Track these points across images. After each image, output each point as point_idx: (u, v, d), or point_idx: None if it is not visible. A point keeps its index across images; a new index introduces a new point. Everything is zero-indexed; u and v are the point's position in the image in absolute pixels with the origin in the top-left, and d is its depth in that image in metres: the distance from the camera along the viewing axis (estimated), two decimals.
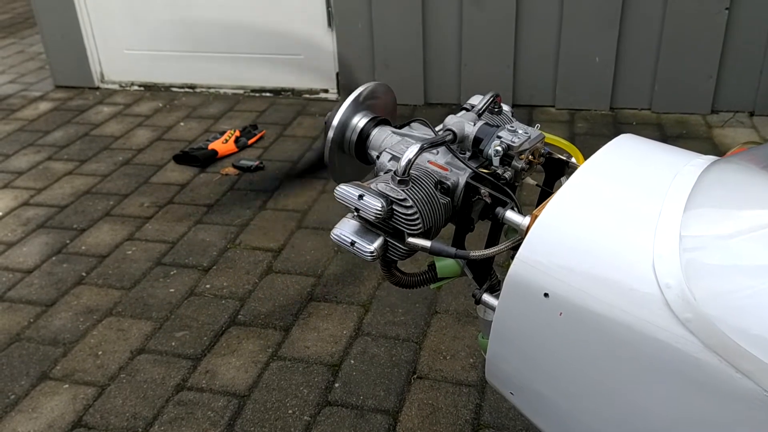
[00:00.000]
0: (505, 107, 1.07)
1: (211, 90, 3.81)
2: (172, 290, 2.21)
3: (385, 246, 0.92)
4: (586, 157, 0.94)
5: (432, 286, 1.00)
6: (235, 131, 3.18)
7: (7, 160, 3.12)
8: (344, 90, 1.23)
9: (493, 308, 0.90)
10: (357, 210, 0.90)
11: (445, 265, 0.97)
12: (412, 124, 1.08)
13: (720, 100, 3.28)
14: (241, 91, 3.77)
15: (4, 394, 1.83)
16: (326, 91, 3.67)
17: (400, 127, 1.09)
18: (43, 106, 3.70)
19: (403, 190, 0.89)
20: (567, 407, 0.83)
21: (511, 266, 0.80)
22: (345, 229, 0.93)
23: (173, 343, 1.99)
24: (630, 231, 0.76)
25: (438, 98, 3.53)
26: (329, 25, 3.50)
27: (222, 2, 3.57)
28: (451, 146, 0.96)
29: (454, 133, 0.96)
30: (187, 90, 3.84)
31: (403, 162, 0.89)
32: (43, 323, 2.09)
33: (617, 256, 0.75)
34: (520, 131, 0.94)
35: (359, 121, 1.08)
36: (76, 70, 3.87)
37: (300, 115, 3.49)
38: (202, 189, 2.82)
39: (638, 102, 3.36)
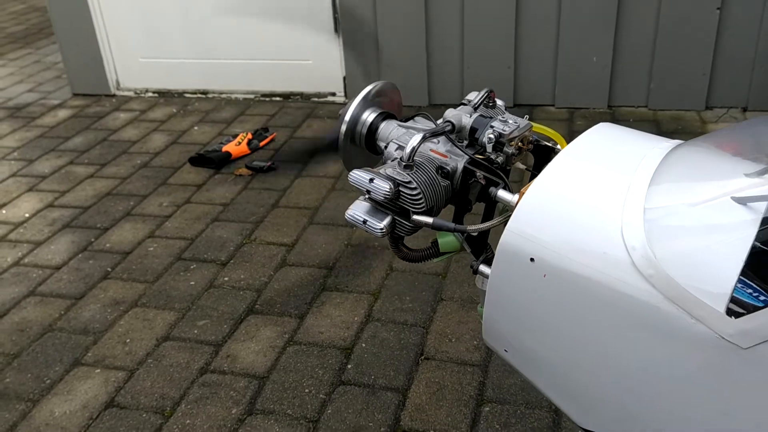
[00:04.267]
0: (499, 101, 1.19)
1: (223, 95, 3.95)
2: (192, 283, 2.35)
3: (393, 223, 1.05)
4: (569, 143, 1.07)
5: (435, 260, 1.12)
6: (247, 134, 3.31)
7: (30, 165, 3.26)
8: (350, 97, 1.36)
9: (487, 276, 1.03)
10: (368, 192, 1.03)
11: (446, 241, 1.09)
12: (416, 118, 1.21)
13: (714, 96, 3.40)
14: (252, 96, 3.91)
15: (40, 379, 1.97)
16: (333, 94, 3.80)
17: (405, 121, 1.22)
18: (62, 113, 3.85)
19: (408, 174, 1.02)
20: (553, 359, 0.96)
21: (502, 236, 0.93)
22: (357, 210, 1.06)
23: (195, 331, 2.12)
24: (602, 203, 0.89)
25: (442, 99, 3.66)
26: (336, 30, 3.64)
27: (232, 11, 3.71)
28: (450, 136, 1.09)
29: (452, 124, 1.08)
30: (199, 96, 3.98)
31: (408, 149, 1.02)
32: (74, 315, 2.23)
33: (592, 225, 0.88)
34: (510, 121, 1.07)
35: (368, 115, 1.20)
36: (93, 79, 4.02)
37: (309, 118, 3.63)
38: (217, 189, 2.96)
39: (635, 99, 3.48)
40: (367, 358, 1.96)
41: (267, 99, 3.89)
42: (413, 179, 1.01)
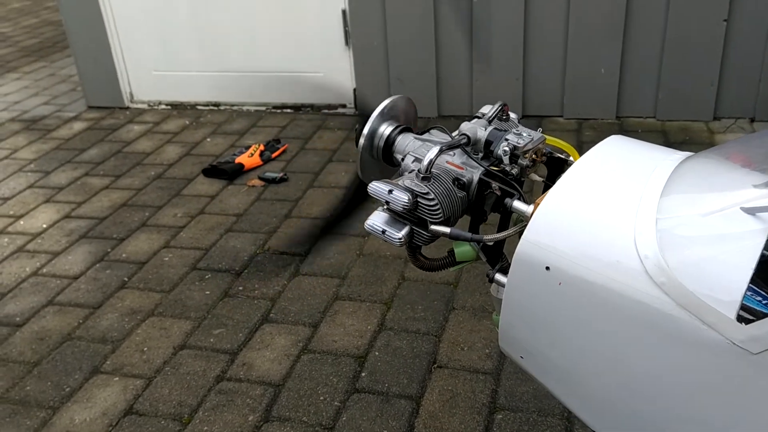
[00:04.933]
0: (512, 114, 1.23)
1: (235, 107, 4.01)
2: (207, 292, 2.39)
3: (411, 233, 1.08)
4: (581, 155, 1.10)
5: (451, 268, 1.16)
6: (259, 145, 3.36)
7: (47, 176, 3.32)
8: (361, 111, 1.40)
9: (503, 284, 1.06)
10: (387, 203, 1.06)
11: (462, 250, 1.13)
12: (432, 131, 1.25)
13: (721, 107, 3.42)
14: (263, 108, 3.96)
15: (60, 387, 2.00)
16: (344, 106, 3.85)
17: (421, 134, 1.26)
18: (78, 125, 3.91)
19: (425, 185, 1.05)
20: (568, 365, 0.99)
21: (518, 245, 0.96)
22: (377, 220, 1.10)
23: (211, 340, 2.16)
24: (615, 213, 0.92)
25: (451, 110, 3.70)
26: (346, 43, 3.69)
27: (244, 24, 3.77)
28: (466, 148, 1.12)
29: (468, 137, 1.12)
30: (212, 108, 4.04)
31: (426, 161, 1.06)
32: (92, 324, 2.27)
33: (605, 235, 0.91)
34: (524, 134, 1.10)
35: (385, 129, 1.24)
36: (108, 92, 4.08)
37: (320, 129, 3.67)
38: (230, 200, 3.00)
39: (643, 110, 3.51)
40: (381, 366, 1.99)
41: (278, 111, 3.94)
42: (431, 190, 1.05)
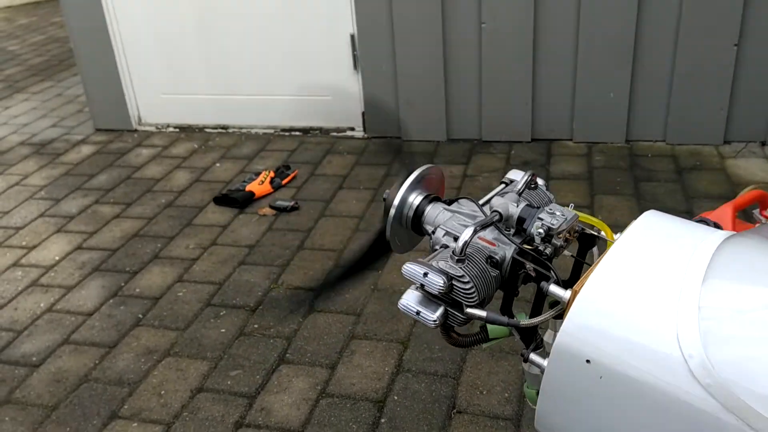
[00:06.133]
0: (540, 181, 1.22)
1: (243, 130, 4.00)
2: (223, 330, 2.38)
3: (445, 314, 1.08)
4: (611, 226, 1.10)
5: (484, 345, 1.15)
6: (269, 172, 3.36)
7: (57, 204, 3.31)
8: (403, 167, 1.39)
9: (538, 365, 1.06)
10: (422, 285, 1.06)
11: (495, 327, 1.12)
12: (460, 201, 1.24)
13: (732, 130, 3.42)
14: (272, 131, 3.96)
15: None
16: (353, 129, 3.85)
17: (449, 203, 1.25)
18: (86, 149, 3.91)
19: (460, 268, 1.05)
20: None
21: (557, 336, 0.95)
22: (410, 300, 1.09)
23: (229, 382, 2.15)
24: (656, 305, 0.91)
25: (460, 134, 3.70)
26: (355, 67, 3.69)
27: (252, 48, 3.77)
28: (499, 225, 1.12)
29: (500, 213, 1.12)
30: (220, 131, 4.03)
31: (461, 243, 1.05)
32: (108, 364, 2.26)
33: (647, 328, 0.90)
34: (557, 213, 1.10)
35: (415, 199, 1.23)
36: (115, 115, 4.08)
37: (329, 154, 3.67)
38: (242, 230, 2.99)
39: (653, 134, 3.51)
40: (400, 412, 1.98)
41: (287, 134, 3.94)
42: (466, 273, 1.04)
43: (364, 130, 3.83)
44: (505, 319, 1.06)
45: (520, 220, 1.12)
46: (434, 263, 1.07)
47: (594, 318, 0.95)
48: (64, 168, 3.69)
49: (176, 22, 3.81)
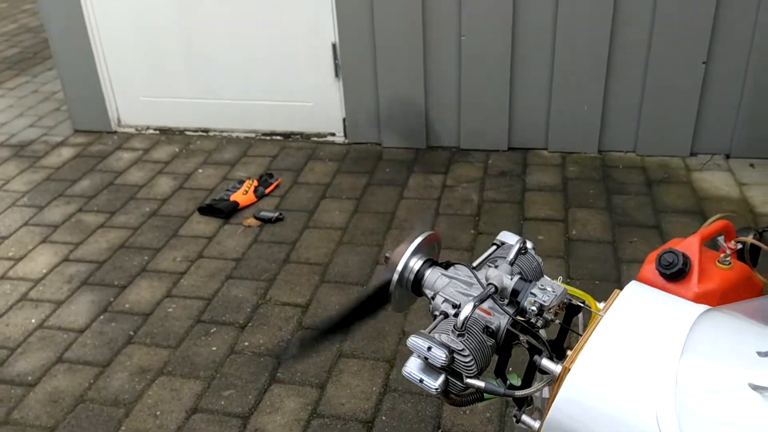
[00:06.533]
0: (529, 245, 1.33)
1: (224, 133, 4.04)
2: (214, 348, 2.46)
3: (446, 382, 1.18)
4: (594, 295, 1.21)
5: (480, 403, 1.26)
6: (252, 181, 3.42)
7: (41, 212, 3.34)
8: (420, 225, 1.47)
9: (529, 426, 1.17)
10: (425, 358, 1.16)
11: None
12: (456, 266, 1.34)
13: (698, 143, 3.57)
14: (253, 135, 4.01)
15: None
16: (333, 134, 3.91)
17: (446, 266, 1.35)
18: (66, 152, 3.91)
19: (461, 341, 1.15)
20: None
21: (549, 412, 1.06)
22: (413, 368, 1.18)
23: (222, 402, 2.24)
24: (638, 385, 1.03)
25: (439, 142, 3.79)
26: (336, 75, 3.74)
27: (234, 53, 3.80)
28: (495, 296, 1.22)
29: (495, 286, 1.22)
30: (201, 134, 4.07)
31: (461, 318, 1.15)
32: (102, 384, 2.33)
33: (630, 408, 1.02)
34: (548, 288, 1.20)
35: (415, 264, 1.33)
36: (94, 116, 4.08)
37: (311, 160, 3.74)
38: (228, 242, 3.06)
39: (624, 145, 3.64)
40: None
41: (268, 138, 3.99)
42: (466, 346, 1.14)
43: (345, 136, 3.89)
44: (501, 390, 1.17)
45: (514, 292, 1.22)
46: (436, 336, 1.18)
47: (583, 396, 1.06)
48: (45, 173, 3.70)
49: (157, 22, 3.81)
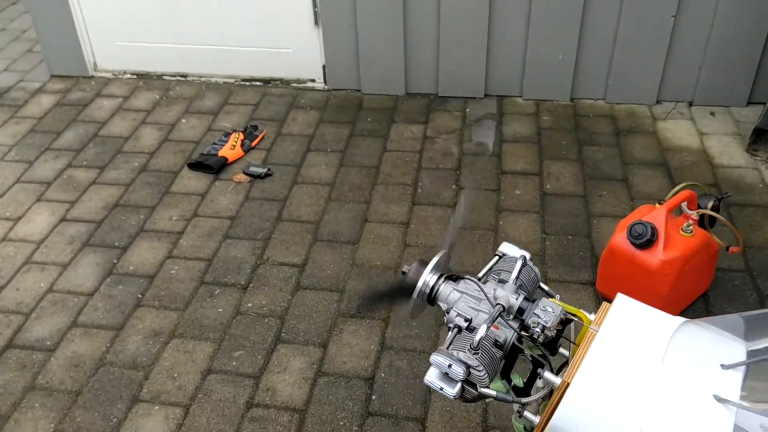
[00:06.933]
0: (527, 256, 1.53)
1: (203, 78, 4.06)
2: (220, 310, 2.65)
3: (462, 389, 1.40)
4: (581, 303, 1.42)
5: (487, 399, 1.49)
6: (239, 134, 3.50)
7: (31, 168, 3.39)
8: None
9: (530, 421, 1.41)
10: (446, 373, 1.37)
11: (496, 385, 1.45)
12: (465, 281, 1.53)
13: (664, 92, 3.76)
14: (232, 80, 4.04)
15: (107, 418, 2.28)
16: (314, 80, 3.98)
17: (455, 279, 1.54)
18: (45, 100, 3.90)
19: (476, 358, 1.36)
20: None
21: (551, 420, 1.29)
22: (434, 378, 1.40)
23: (234, 363, 2.45)
24: (626, 401, 1.26)
25: (418, 89, 3.89)
26: (316, 23, 3.77)
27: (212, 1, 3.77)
28: (503, 314, 1.42)
29: (503, 306, 1.42)
30: (179, 78, 4.08)
31: (477, 338, 1.35)
32: (119, 347, 2.51)
33: (620, 425, 1.25)
34: (549, 309, 1.41)
35: (430, 279, 1.52)
36: (71, 60, 4.05)
37: (293, 109, 3.82)
38: (220, 199, 3.19)
39: (594, 93, 3.81)
40: (388, 389, 2.35)
41: (247, 83, 4.03)
42: (480, 362, 1.36)
43: (325, 82, 3.96)
44: (510, 397, 1.39)
45: (520, 311, 1.43)
46: (454, 353, 1.38)
47: (581, 407, 1.29)
48: (28, 123, 3.71)
49: None
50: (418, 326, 2.56)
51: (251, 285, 2.75)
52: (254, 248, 2.92)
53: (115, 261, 2.87)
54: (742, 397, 1.25)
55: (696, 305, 2.60)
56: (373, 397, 2.33)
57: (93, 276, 2.80)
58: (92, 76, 4.11)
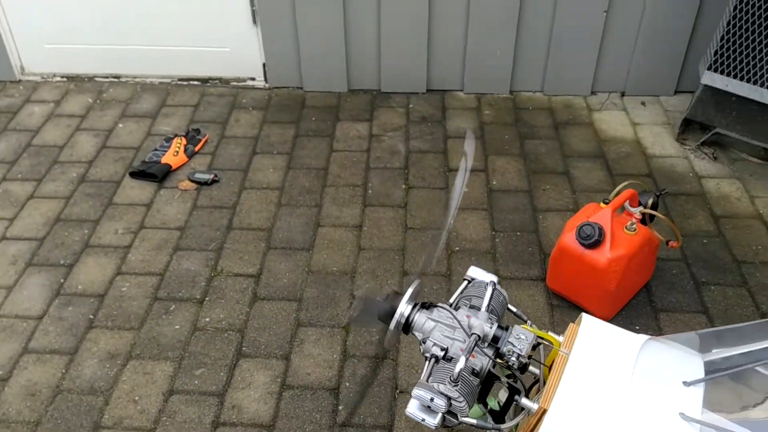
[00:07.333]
0: (495, 280, 1.59)
1: (137, 79, 3.94)
2: (177, 327, 2.62)
3: (443, 419, 1.45)
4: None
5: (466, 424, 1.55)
6: (181, 140, 3.43)
7: None
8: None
9: None
10: (428, 406, 1.41)
11: (473, 411, 1.51)
12: (439, 308, 1.57)
13: (598, 83, 3.88)
14: (168, 80, 3.94)
15: None
16: (254, 79, 3.92)
17: (428, 308, 1.58)
18: None
19: (456, 390, 1.41)
20: None
21: None
22: (414, 409, 1.45)
23: (196, 382, 2.44)
24: (598, 421, 1.34)
25: (360, 86, 3.89)
26: (254, 21, 3.70)
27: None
28: (479, 343, 1.47)
29: (479, 336, 1.47)
30: (112, 80, 3.94)
31: (456, 371, 1.40)
32: (75, 373, 2.46)
33: None
34: (522, 336, 1.47)
35: (405, 309, 1.55)
36: None
37: (234, 109, 3.75)
38: (167, 209, 3.13)
39: (532, 86, 3.90)
40: (354, 398, 2.39)
41: (185, 83, 3.94)
42: (461, 394, 1.41)
43: (266, 80, 3.91)
44: (489, 425, 1.45)
45: (495, 339, 1.48)
46: (435, 386, 1.43)
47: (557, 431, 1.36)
48: None
49: None
50: (377, 332, 2.60)
51: (207, 298, 2.73)
52: (207, 259, 2.89)
53: (62, 280, 2.79)
54: (703, 412, 1.34)
55: (639, 295, 2.73)
56: (340, 407, 2.36)
57: (40, 298, 2.72)
58: (20, 80, 3.92)
